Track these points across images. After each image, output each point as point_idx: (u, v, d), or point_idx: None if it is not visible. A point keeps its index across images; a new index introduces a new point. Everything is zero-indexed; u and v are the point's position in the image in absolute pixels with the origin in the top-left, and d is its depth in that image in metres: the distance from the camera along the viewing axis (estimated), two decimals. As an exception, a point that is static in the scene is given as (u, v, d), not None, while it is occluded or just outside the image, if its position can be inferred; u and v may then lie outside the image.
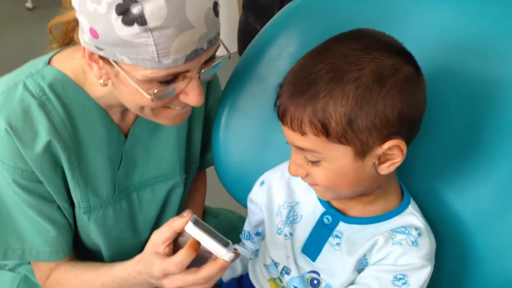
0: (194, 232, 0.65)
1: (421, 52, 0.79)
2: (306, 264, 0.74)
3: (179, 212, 0.99)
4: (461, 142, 0.76)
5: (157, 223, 0.94)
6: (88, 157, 0.81)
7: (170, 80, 0.69)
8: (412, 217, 0.72)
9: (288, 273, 0.75)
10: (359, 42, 0.64)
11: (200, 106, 0.95)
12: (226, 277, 0.86)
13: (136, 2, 0.61)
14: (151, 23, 0.62)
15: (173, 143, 0.91)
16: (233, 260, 0.67)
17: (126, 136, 0.86)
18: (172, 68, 0.66)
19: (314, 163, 0.66)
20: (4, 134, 0.72)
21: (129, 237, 0.90)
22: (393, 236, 0.70)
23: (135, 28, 0.62)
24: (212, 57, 0.73)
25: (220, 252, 0.65)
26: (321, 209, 0.75)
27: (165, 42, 0.63)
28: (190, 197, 1.06)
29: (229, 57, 0.76)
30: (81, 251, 0.89)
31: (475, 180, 0.74)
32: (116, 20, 0.62)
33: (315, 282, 0.73)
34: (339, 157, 0.64)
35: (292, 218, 0.77)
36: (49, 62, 0.79)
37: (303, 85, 0.62)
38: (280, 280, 0.76)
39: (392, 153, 0.65)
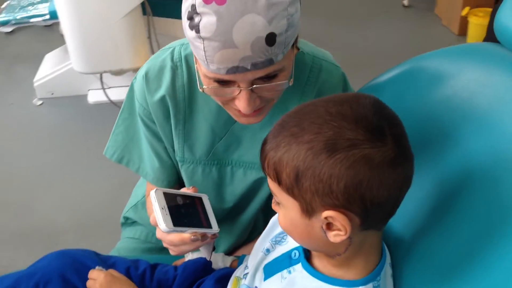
0: (152, 198, 0.80)
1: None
2: (259, 280, 0.80)
3: (267, 201, 1.12)
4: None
5: (242, 201, 1.10)
6: (195, 120, 1.02)
7: (222, 82, 0.83)
8: None
9: (245, 278, 0.83)
10: (341, 107, 0.65)
11: None
12: None
13: (198, 14, 0.76)
14: (202, 33, 0.76)
15: None
16: (194, 240, 0.80)
17: None
18: (217, 74, 0.80)
19: (278, 204, 0.71)
20: (141, 78, 1.00)
21: (212, 198, 1.09)
22: None
23: (193, 33, 0.77)
24: (271, 77, 0.82)
25: (159, 222, 0.78)
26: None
27: (211, 51, 0.77)
28: None
29: (289, 84, 0.84)
30: None
31: None
32: (186, 23, 0.79)
33: None
34: (290, 207, 0.67)
35: (279, 239, 0.83)
36: None
37: (278, 130, 0.67)
38: (239, 281, 0.84)
39: (336, 224, 0.65)
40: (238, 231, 1.16)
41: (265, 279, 0.79)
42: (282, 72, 0.83)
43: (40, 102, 2.70)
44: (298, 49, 0.99)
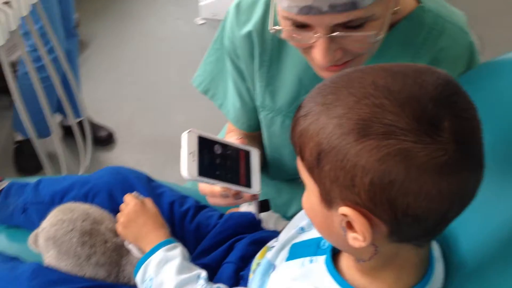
0: (182, 140, 0.70)
1: None
2: (281, 259, 0.70)
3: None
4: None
5: None
6: (281, 65, 0.90)
7: (298, 25, 0.69)
8: None
9: (270, 251, 0.73)
10: (393, 80, 0.49)
11: None
12: None
13: None
14: None
15: None
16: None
17: None
18: (289, 13, 0.67)
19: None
20: (233, 8, 0.90)
21: (288, 154, 0.98)
22: None
23: None
24: (357, 26, 0.67)
25: (182, 168, 0.68)
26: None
27: None
28: None
29: (377, 37, 0.68)
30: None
31: None
32: None
33: None
34: (311, 190, 0.55)
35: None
36: None
37: (314, 94, 0.54)
38: (267, 250, 0.75)
39: (354, 226, 0.51)
40: (314, 196, 1.04)
41: (287, 259, 0.69)
42: (372, 22, 0.67)
43: (202, 21, 2.76)
44: (418, 1, 0.81)
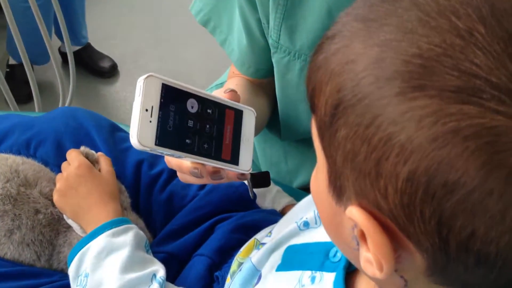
0: (138, 88, 0.45)
1: None
2: (270, 265, 0.47)
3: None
4: None
5: None
6: None
7: None
8: None
9: (258, 249, 0.50)
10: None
11: None
12: None
13: None
14: None
15: None
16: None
17: None
18: None
19: None
20: None
21: (306, 111, 0.74)
22: None
23: None
24: None
25: (131, 131, 0.45)
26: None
27: None
28: None
29: None
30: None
31: None
32: None
33: None
34: (320, 164, 0.34)
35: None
36: None
37: (359, 3, 0.32)
38: (254, 246, 0.53)
39: (368, 243, 0.30)
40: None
41: (278, 268, 0.46)
42: None
43: None
44: None
